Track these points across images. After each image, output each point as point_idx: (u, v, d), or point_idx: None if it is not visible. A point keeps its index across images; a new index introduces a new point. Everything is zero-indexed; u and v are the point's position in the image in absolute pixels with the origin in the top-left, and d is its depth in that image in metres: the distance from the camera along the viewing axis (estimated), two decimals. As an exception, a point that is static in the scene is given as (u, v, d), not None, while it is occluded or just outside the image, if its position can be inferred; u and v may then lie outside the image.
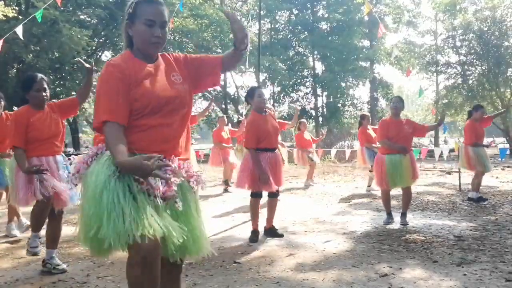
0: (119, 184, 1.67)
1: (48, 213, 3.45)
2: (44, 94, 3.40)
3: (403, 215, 4.99)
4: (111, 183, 1.66)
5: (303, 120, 9.87)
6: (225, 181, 8.28)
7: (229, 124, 10.92)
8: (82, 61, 3.67)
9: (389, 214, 5.06)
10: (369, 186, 7.77)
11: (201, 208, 1.99)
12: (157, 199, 1.73)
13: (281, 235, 4.44)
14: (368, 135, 7.60)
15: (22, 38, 6.71)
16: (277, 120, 6.82)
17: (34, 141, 3.38)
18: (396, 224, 4.95)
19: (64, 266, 3.46)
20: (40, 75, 3.45)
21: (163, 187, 1.76)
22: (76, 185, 1.85)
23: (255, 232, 4.38)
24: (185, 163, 1.94)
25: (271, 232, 4.48)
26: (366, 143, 7.56)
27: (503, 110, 8.08)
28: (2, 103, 4.57)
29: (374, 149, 7.04)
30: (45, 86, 3.41)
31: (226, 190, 8.04)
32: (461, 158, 6.67)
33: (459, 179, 7.84)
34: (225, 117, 9.11)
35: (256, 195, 4.39)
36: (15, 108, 3.61)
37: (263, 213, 4.62)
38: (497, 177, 9.57)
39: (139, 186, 1.70)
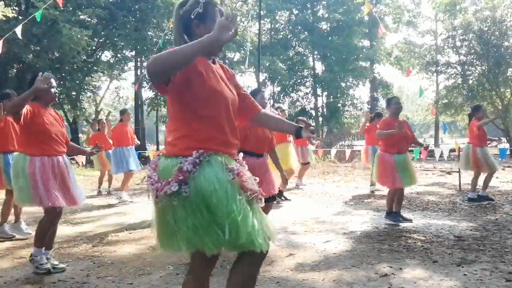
0: (235, 189, 1.71)
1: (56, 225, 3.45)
2: (53, 91, 3.43)
3: (398, 214, 5.03)
4: (229, 188, 1.69)
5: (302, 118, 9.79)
6: None
7: None
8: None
9: (397, 212, 5.08)
10: (373, 185, 7.75)
11: None
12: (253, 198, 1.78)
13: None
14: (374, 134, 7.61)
15: (21, 38, 6.71)
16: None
17: (44, 139, 3.37)
18: (396, 224, 4.95)
19: (63, 265, 3.46)
20: (48, 73, 3.44)
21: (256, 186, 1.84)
22: (172, 191, 1.70)
23: None
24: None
25: None
26: (372, 141, 7.60)
27: (494, 117, 8.04)
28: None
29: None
30: (54, 84, 3.45)
31: None
32: (462, 159, 6.63)
33: (459, 179, 7.84)
34: None
35: None
36: None
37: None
38: (497, 177, 9.55)
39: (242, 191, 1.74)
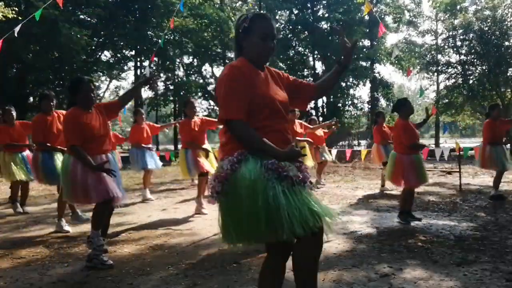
0: (271, 180, 1.85)
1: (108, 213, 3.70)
2: (92, 95, 3.61)
3: (406, 213, 5.06)
4: (270, 184, 1.83)
5: (314, 117, 9.76)
6: None
7: None
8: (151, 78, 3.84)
9: (408, 212, 5.10)
10: (382, 186, 7.75)
11: None
12: (301, 186, 1.91)
13: None
14: (384, 133, 7.63)
15: (17, 36, 6.72)
16: (300, 122, 6.93)
17: (87, 141, 3.50)
18: (396, 224, 4.95)
19: (111, 262, 3.52)
20: (87, 78, 3.68)
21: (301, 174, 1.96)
22: (219, 191, 1.94)
23: None
24: None
25: None
26: (382, 140, 7.58)
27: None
28: (54, 101, 5.18)
29: (391, 145, 6.96)
30: (93, 87, 3.63)
31: None
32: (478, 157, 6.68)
33: (460, 179, 7.84)
34: None
35: None
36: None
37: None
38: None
39: (284, 183, 1.86)
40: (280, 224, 1.78)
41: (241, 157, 1.89)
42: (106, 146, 3.67)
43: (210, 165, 5.88)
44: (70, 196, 3.61)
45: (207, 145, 6.06)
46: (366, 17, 23.51)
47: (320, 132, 8.81)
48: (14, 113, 6.19)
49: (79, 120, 3.50)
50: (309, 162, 7.23)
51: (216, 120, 6.01)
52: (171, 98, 23.67)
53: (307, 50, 27.39)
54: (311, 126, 7.91)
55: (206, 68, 25.20)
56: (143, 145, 7.32)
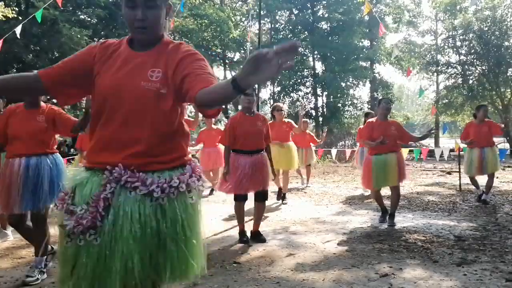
0: None
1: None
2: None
3: (391, 216, 4.95)
4: None
5: (305, 119, 9.73)
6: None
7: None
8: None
9: (385, 211, 5.07)
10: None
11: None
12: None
13: (264, 240, 4.27)
14: None
15: (19, 37, 6.70)
16: (287, 121, 6.68)
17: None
18: (396, 224, 4.94)
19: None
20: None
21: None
22: None
23: (241, 233, 4.31)
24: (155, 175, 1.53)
25: (253, 236, 4.34)
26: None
27: None
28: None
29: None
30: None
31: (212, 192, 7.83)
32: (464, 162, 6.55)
33: (459, 179, 7.84)
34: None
35: (237, 199, 4.29)
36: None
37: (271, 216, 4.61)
38: (497, 177, 9.54)
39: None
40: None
41: None
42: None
43: None
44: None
45: None
46: (366, 17, 23.50)
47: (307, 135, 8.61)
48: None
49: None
50: (296, 164, 7.00)
51: None
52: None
53: (307, 50, 27.38)
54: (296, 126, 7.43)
55: (206, 68, 25.22)
56: None
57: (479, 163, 6.18)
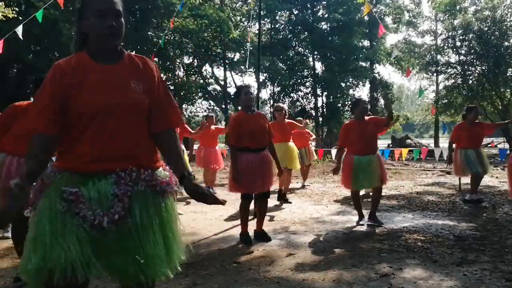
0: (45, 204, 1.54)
1: None
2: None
3: (371, 215, 4.94)
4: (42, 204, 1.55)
5: (300, 118, 9.74)
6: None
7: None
8: None
9: (361, 216, 5.04)
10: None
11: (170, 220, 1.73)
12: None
13: (269, 239, 4.29)
14: None
15: (22, 38, 6.70)
16: (289, 121, 6.73)
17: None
18: (396, 224, 4.95)
19: None
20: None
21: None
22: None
23: (244, 234, 4.29)
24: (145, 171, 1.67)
25: (258, 235, 4.34)
26: None
27: (507, 121, 7.82)
28: None
29: None
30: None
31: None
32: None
33: (459, 179, 7.84)
34: (214, 116, 8.27)
35: (245, 198, 4.27)
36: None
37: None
38: (497, 177, 9.57)
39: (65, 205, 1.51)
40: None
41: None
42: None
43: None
44: None
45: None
46: (366, 18, 23.52)
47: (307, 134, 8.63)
48: None
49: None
50: (298, 165, 7.00)
51: None
52: (171, 98, 23.62)
53: (307, 51, 27.39)
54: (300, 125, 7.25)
55: (207, 69, 25.21)
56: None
57: (469, 164, 6.20)
